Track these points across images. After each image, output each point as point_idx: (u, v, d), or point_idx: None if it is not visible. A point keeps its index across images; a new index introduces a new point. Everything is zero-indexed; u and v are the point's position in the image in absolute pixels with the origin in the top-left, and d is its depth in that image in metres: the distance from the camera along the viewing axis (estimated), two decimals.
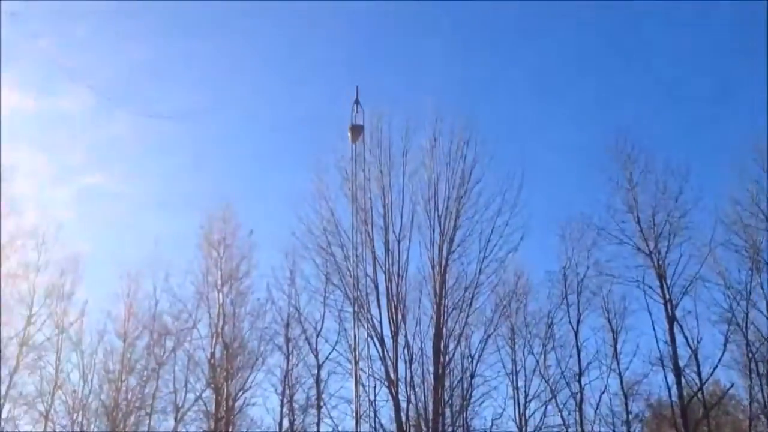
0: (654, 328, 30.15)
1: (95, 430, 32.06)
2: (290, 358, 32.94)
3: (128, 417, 32.18)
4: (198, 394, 32.77)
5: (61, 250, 32.39)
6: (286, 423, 32.65)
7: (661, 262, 29.55)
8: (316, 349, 32.32)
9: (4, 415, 30.30)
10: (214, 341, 32.68)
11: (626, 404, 31.45)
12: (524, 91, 49.81)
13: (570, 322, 32.35)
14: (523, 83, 50.50)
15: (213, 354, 32.64)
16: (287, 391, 32.91)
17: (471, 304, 27.11)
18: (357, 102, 19.72)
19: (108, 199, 47.03)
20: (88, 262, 34.00)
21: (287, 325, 32.92)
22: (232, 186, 52.86)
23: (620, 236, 30.40)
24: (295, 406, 33.00)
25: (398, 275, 26.85)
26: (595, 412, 31.95)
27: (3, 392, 30.16)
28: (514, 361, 33.17)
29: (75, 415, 31.97)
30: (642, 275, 30.07)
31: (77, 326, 32.73)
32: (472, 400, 32.35)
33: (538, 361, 32.66)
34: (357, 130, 20.26)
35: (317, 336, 32.25)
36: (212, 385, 32.38)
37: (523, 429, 32.76)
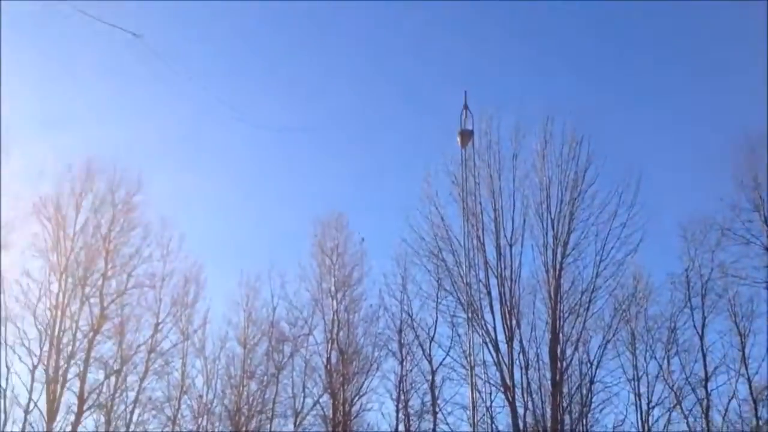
0: None
1: None
2: (404, 363, 33.06)
3: (250, 421, 33.09)
4: (316, 398, 33.40)
5: (184, 260, 33.65)
6: (402, 428, 32.79)
7: None
8: (430, 354, 32.37)
9: (135, 419, 31.69)
10: (329, 347, 33.30)
11: (756, 410, 29.85)
12: (639, 88, 48.05)
13: (694, 326, 30.99)
14: (637, 80, 48.73)
15: (329, 359, 33.25)
16: (402, 397, 33.04)
17: (588, 308, 26.60)
18: (466, 107, 19.50)
19: (225, 209, 48.91)
20: (209, 270, 35.24)
21: (400, 331, 33.08)
22: (343, 194, 53.69)
23: (746, 236, 28.92)
24: (411, 411, 33.10)
25: (511, 280, 26.65)
26: (723, 418, 30.52)
27: (133, 398, 31.63)
28: (635, 367, 31.99)
29: (200, 419, 33.08)
30: None
31: (200, 333, 33.96)
32: (592, 406, 31.48)
33: (661, 367, 31.40)
34: (466, 135, 20.02)
35: (431, 341, 32.30)
36: (329, 390, 32.94)
37: None
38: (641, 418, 31.76)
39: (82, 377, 29.92)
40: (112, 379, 31.17)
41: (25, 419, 29.08)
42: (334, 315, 33.54)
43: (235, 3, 40.52)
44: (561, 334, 26.55)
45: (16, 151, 30.50)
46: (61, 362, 29.56)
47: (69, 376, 29.76)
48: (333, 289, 33.98)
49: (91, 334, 30.30)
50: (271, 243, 49.96)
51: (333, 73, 50.06)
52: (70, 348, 29.91)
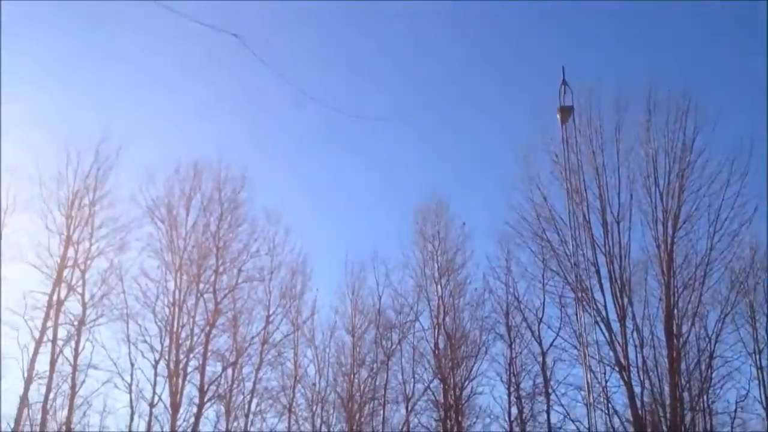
0: None
1: (334, 421, 33.84)
2: (513, 346, 32.78)
3: (363, 408, 33.63)
4: (426, 384, 33.61)
5: (290, 253, 34.50)
6: (514, 411, 32.57)
7: None
8: (539, 336, 31.95)
9: (253, 409, 32.74)
10: (436, 332, 33.41)
11: None
12: (746, 49, 45.70)
13: None
14: (744, 40, 46.35)
15: (437, 345, 33.37)
16: (513, 379, 32.78)
17: (704, 282, 25.62)
18: (564, 82, 19.13)
19: (327, 201, 49.84)
20: (315, 262, 35.94)
21: (507, 314, 32.79)
22: (442, 180, 53.72)
23: None
24: (522, 393, 32.79)
25: (620, 257, 25.94)
26: None
27: (250, 388, 32.68)
28: (756, 340, 30.76)
29: (314, 407, 33.85)
30: None
31: (310, 323, 34.74)
32: (712, 382, 30.43)
33: None
34: (566, 111, 19.62)
35: (539, 323, 31.90)
36: (439, 375, 33.06)
37: None
38: (765, 392, 30.57)
39: (202, 370, 31.08)
40: (229, 370, 32.28)
41: (151, 412, 30.45)
42: (439, 300, 33.65)
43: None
44: (676, 310, 25.73)
45: (125, 155, 32.21)
46: (181, 356, 30.75)
47: (189, 369, 30.99)
48: (437, 274, 34.10)
49: (208, 328, 31.44)
50: (373, 232, 50.73)
51: (428, 60, 50.20)
52: (188, 342, 31.12)
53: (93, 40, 42.99)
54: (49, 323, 29.41)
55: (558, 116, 19.57)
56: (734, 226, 25.36)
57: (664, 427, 26.88)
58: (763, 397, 30.47)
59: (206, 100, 49.35)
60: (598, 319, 25.77)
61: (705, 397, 30.60)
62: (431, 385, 33.49)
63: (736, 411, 30.90)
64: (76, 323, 30.04)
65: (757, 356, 30.70)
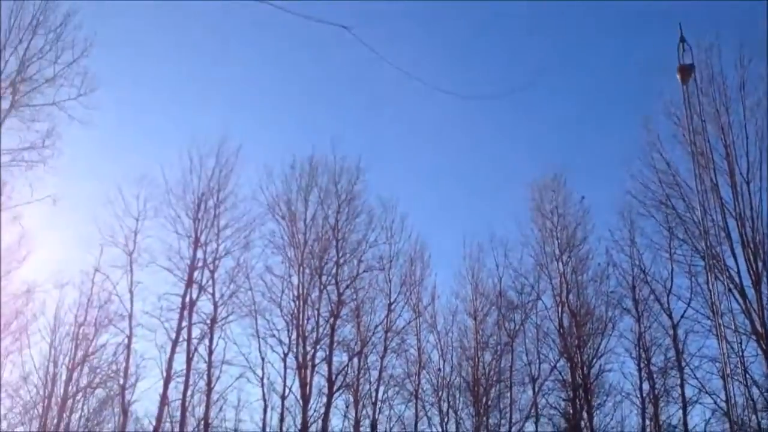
0: None
1: (461, 405, 33.90)
2: (641, 320, 31.94)
3: (489, 391, 33.54)
4: (552, 364, 33.26)
5: (408, 240, 34.86)
6: (646, 387, 31.75)
7: None
8: (669, 308, 30.99)
9: (380, 396, 33.30)
10: (560, 311, 33.00)
11: None
12: None
13: None
14: None
15: (561, 323, 32.95)
16: (643, 355, 31.93)
17: None
18: (682, 40, 18.46)
19: (441, 184, 49.98)
20: (432, 247, 36.16)
21: (633, 288, 31.97)
22: (558, 154, 52.84)
23: None
24: (654, 368, 31.90)
25: (752, 218, 24.86)
26: None
27: (376, 376, 33.20)
28: None
29: (440, 392, 34.04)
30: None
31: (431, 309, 35.02)
32: None
33: None
34: (686, 70, 18.90)
35: (668, 294, 30.92)
36: (565, 355, 32.63)
37: None
38: None
39: (329, 360, 31.77)
40: (355, 360, 32.90)
41: (283, 405, 31.42)
42: (561, 278, 33.22)
43: None
44: None
45: (245, 155, 33.35)
46: (308, 348, 31.56)
47: (317, 360, 31.78)
48: (557, 251, 33.71)
49: (332, 319, 32.14)
50: (490, 212, 50.56)
51: (538, 30, 49.31)
52: (314, 334, 31.88)
53: (203, 43, 44.61)
54: (184, 323, 30.71)
55: (678, 76, 18.94)
56: None
57: None
58: None
59: (317, 94, 50.40)
60: (732, 286, 24.88)
61: None
62: (558, 365, 33.19)
63: None
64: (208, 322, 31.25)
65: None
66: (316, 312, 32.14)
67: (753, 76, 25.55)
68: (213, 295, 31.60)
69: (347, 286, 32.83)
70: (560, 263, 33.46)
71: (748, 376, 25.44)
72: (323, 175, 33.75)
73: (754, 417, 27.79)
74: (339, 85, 50.31)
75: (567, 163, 49.63)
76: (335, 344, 32.20)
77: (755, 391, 26.04)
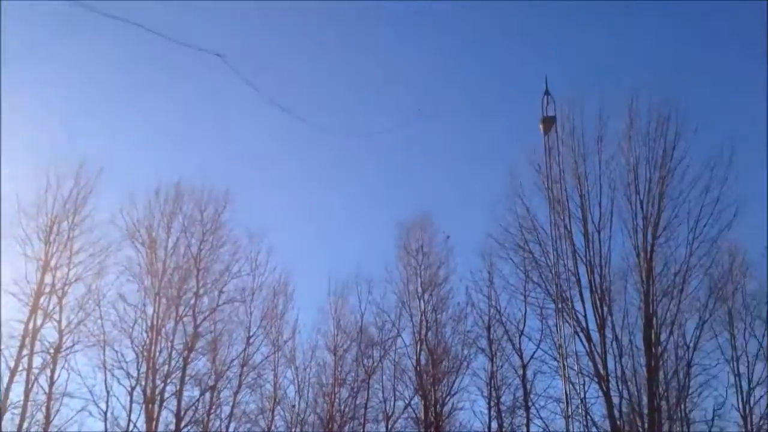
0: None
1: None
2: (494, 359, 32.90)
3: (343, 428, 33.34)
4: (407, 401, 33.56)
5: (272, 273, 34.20)
6: (494, 425, 32.60)
7: None
8: (520, 348, 32.09)
9: None
10: (418, 348, 33.43)
11: None
12: (729, 53, 46.61)
13: None
14: (728, 45, 47.34)
15: (418, 361, 33.37)
16: (494, 394, 32.87)
17: (683, 289, 26.00)
18: (547, 92, 19.56)
19: (310, 219, 49.69)
20: (297, 281, 35.66)
21: (489, 327, 32.94)
22: (426, 194, 53.63)
23: None
24: (503, 407, 32.87)
25: (601, 266, 26.28)
26: None
27: (228, 412, 32.22)
28: (734, 347, 31.23)
29: (293, 429, 33.38)
30: None
31: (291, 344, 34.42)
32: (690, 391, 30.85)
33: (761, 345, 30.61)
34: (549, 122, 20.07)
35: (520, 335, 32.05)
36: (420, 392, 33.05)
37: (748, 418, 30.85)
38: (742, 399, 31.05)
39: (179, 395, 30.59)
40: (207, 395, 31.82)
41: None
42: (421, 316, 33.72)
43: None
44: (655, 319, 26.07)
45: (107, 179, 31.87)
46: (158, 382, 30.28)
47: (166, 395, 30.50)
48: (420, 289, 34.22)
49: (186, 352, 31.00)
50: (357, 249, 50.64)
51: (409, 73, 50.34)
52: (166, 367, 30.63)
53: (70, 62, 42.47)
54: (25, 351, 28.76)
55: (540, 127, 20.04)
56: (713, 232, 25.78)
57: None
58: (740, 405, 30.99)
59: (188, 121, 48.98)
60: (578, 329, 26.00)
61: (683, 405, 30.95)
62: (412, 402, 33.50)
63: (713, 419, 31.33)
64: (51, 351, 29.43)
65: (735, 363, 31.18)
66: (169, 344, 30.94)
67: (610, 131, 27.15)
68: (59, 322, 29.81)
69: (205, 318, 31.85)
70: (422, 301, 33.99)
71: (588, 416, 26.78)
72: (189, 203, 32.79)
73: None
74: (213, 115, 49.08)
75: (436, 203, 51.07)
76: (187, 378, 31.09)
77: (595, 431, 27.28)
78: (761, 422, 30.90)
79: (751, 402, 30.87)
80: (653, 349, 26.19)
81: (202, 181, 33.04)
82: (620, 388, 26.70)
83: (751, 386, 30.88)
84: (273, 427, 33.21)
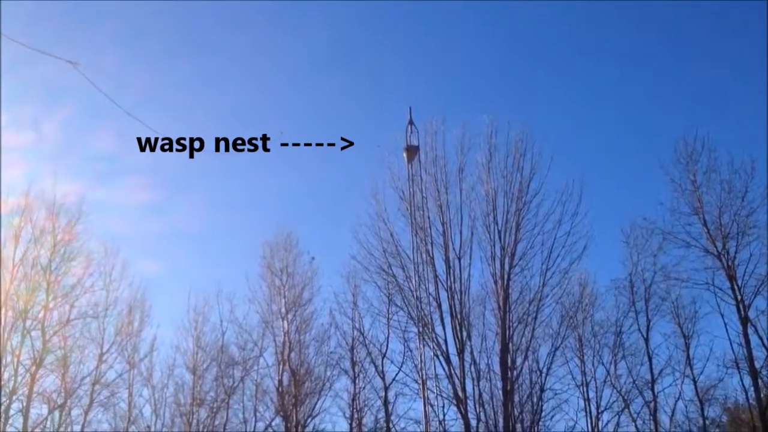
0: (727, 331, 29.45)
1: None
2: (357, 381, 33.08)
3: None
4: (267, 422, 33.16)
5: (128, 288, 33.05)
6: None
7: (730, 263, 28.39)
8: (383, 371, 32.45)
9: None
10: (281, 369, 33.01)
11: (702, 410, 30.77)
12: (580, 95, 49.31)
13: (639, 330, 31.88)
14: (578, 88, 49.99)
15: (281, 381, 32.94)
16: (356, 415, 33.00)
17: (536, 317, 26.75)
18: (411, 122, 19.84)
19: (170, 234, 48.30)
20: (155, 297, 34.64)
21: (352, 349, 33.06)
22: (291, 215, 53.61)
23: (687, 239, 29.23)
24: (364, 429, 33.07)
25: (461, 292, 26.66)
26: (671, 419, 31.37)
27: (79, 430, 30.84)
28: (583, 373, 32.71)
29: None
30: (712, 277, 29.02)
31: (147, 361, 33.47)
32: (543, 414, 31.92)
33: (608, 371, 32.19)
34: (412, 151, 20.39)
35: (383, 358, 32.37)
36: (281, 413, 32.61)
37: None
38: (591, 423, 32.44)
39: (25, 413, 29.07)
40: (56, 413, 30.46)
41: None
42: (285, 336, 33.33)
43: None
44: (511, 344, 26.69)
45: None
46: (3, 398, 28.56)
47: (11, 412, 29.00)
48: (283, 310, 33.80)
49: (33, 368, 29.38)
50: (219, 267, 49.58)
51: (284, 90, 50.17)
52: (12, 383, 28.90)
53: None
54: None
55: (404, 155, 20.29)
56: (565, 263, 26.71)
57: None
58: (590, 428, 32.36)
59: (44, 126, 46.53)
60: (439, 352, 26.26)
61: (536, 428, 32.03)
62: (273, 423, 33.08)
63: None
64: None
65: (585, 388, 32.64)
66: (15, 359, 29.19)
67: (470, 161, 27.77)
68: None
69: (55, 333, 30.27)
70: (285, 321, 33.59)
71: None
72: (40, 212, 30.98)
73: None
74: (66, 121, 46.90)
75: (300, 224, 50.99)
76: (35, 395, 29.47)
77: None
78: None
79: (600, 426, 32.39)
80: (509, 373, 26.76)
81: (54, 191, 31.35)
82: (477, 410, 27.19)
83: (600, 411, 32.39)
84: None
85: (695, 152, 29.43)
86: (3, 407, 28.48)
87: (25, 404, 29.08)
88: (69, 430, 31.10)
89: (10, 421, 28.86)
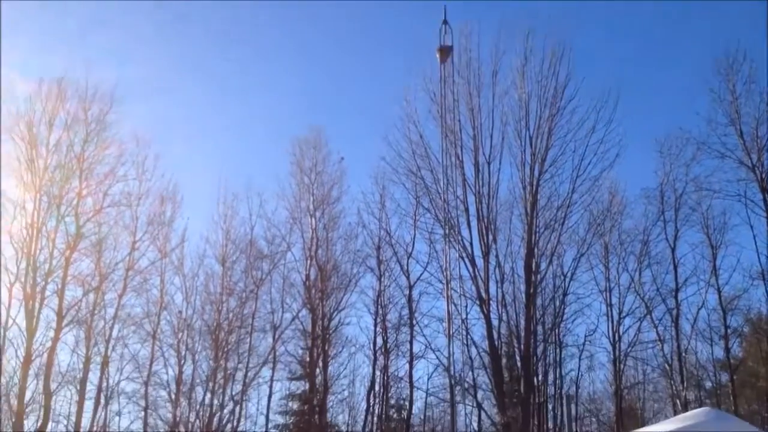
0: (755, 242, 29.27)
1: (199, 348, 33.60)
2: (382, 279, 33.74)
3: (230, 335, 33.49)
4: (294, 314, 33.93)
5: (160, 180, 33.22)
6: (379, 341, 33.69)
7: (764, 175, 28.02)
8: (408, 270, 32.95)
9: (114, 335, 32.07)
10: (308, 264, 33.69)
11: (724, 319, 30.79)
12: (620, 3, 47.30)
13: (667, 239, 31.69)
14: None
15: (308, 276, 33.65)
16: (380, 311, 33.78)
17: (563, 223, 26.84)
18: (445, 21, 19.24)
19: (201, 129, 48.42)
20: (186, 190, 35.00)
21: (378, 248, 33.54)
22: (322, 114, 53.19)
23: (722, 150, 28.80)
24: (388, 325, 33.89)
25: (489, 196, 26.73)
26: (692, 327, 31.57)
27: (112, 314, 31.91)
28: (607, 279, 32.95)
29: (180, 334, 33.39)
30: (744, 189, 28.85)
31: (179, 252, 33.95)
32: (565, 317, 32.54)
33: (632, 278, 32.33)
34: (445, 51, 19.86)
35: (408, 258, 32.87)
36: (308, 306, 33.46)
37: (617, 345, 32.78)
38: (612, 328, 32.89)
39: (60, 294, 29.84)
40: (91, 296, 31.29)
41: (4, 334, 29.32)
42: (312, 232, 33.82)
43: None
44: (536, 249, 26.88)
45: None
46: (39, 280, 29.42)
47: (47, 293, 29.72)
48: (312, 207, 34.17)
49: (68, 252, 30.17)
50: (249, 162, 49.83)
51: None
52: (47, 266, 29.74)
53: None
54: None
55: (437, 55, 19.82)
56: (596, 171, 26.47)
57: (518, 357, 28.53)
58: (610, 332, 32.85)
59: (77, 18, 46.10)
60: (464, 254, 26.62)
61: (557, 330, 32.74)
62: (300, 315, 33.90)
63: (584, 344, 33.32)
64: None
65: (608, 294, 32.96)
66: (50, 243, 30.00)
67: (505, 65, 27.21)
68: None
69: (88, 219, 30.87)
70: (313, 219, 34.02)
71: (469, 336, 27.92)
72: (73, 100, 30.87)
73: (470, 373, 30.64)
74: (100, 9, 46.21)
75: (331, 123, 50.69)
76: (69, 278, 30.32)
77: (474, 350, 28.44)
78: (629, 349, 32.98)
79: (620, 331, 32.83)
80: (533, 277, 27.10)
81: (86, 78, 31.08)
82: (500, 311, 27.76)
83: (621, 316, 32.73)
84: (159, 331, 33.13)
85: (736, 62, 28.76)
86: (39, 288, 29.41)
87: (60, 286, 29.88)
88: (103, 312, 32.08)
89: (46, 301, 29.71)
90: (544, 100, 26.18)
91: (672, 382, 31.20)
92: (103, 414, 32.14)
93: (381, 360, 33.59)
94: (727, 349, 31.11)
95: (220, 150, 49.42)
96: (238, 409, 33.09)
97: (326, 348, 33.44)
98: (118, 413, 33.28)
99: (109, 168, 31.41)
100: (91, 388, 31.18)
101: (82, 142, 30.56)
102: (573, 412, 32.77)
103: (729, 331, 31.09)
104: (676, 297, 31.23)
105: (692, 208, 31.24)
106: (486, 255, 27.01)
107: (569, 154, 26.31)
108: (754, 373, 31.97)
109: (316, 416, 32.76)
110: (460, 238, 26.66)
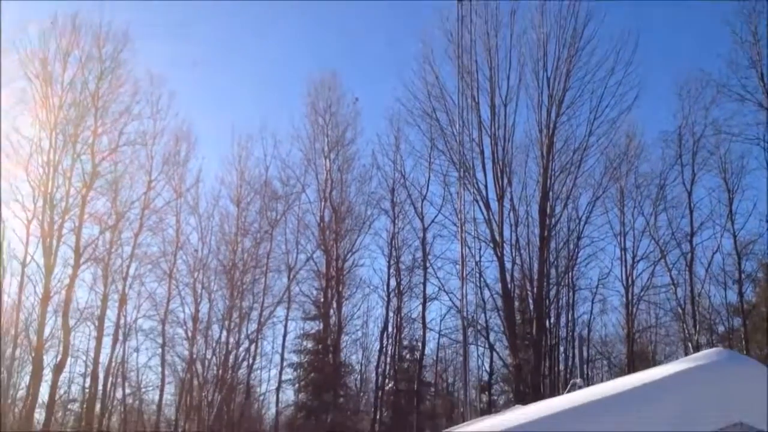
0: None
1: (215, 287, 34.00)
2: (396, 221, 33.68)
3: (245, 275, 33.87)
4: (309, 254, 34.20)
5: (174, 119, 33.19)
6: (393, 283, 33.84)
7: None
8: (422, 212, 32.89)
9: (131, 273, 32.48)
10: (322, 205, 33.80)
11: (739, 264, 30.52)
12: None
13: (683, 183, 31.18)
14: None
15: (322, 217, 33.81)
16: (394, 253, 33.88)
17: (579, 166, 26.78)
18: None
19: (216, 69, 47.90)
20: (201, 130, 34.92)
21: (393, 190, 33.43)
22: (336, 54, 52.33)
23: (742, 92, 28.13)
24: (402, 266, 34.01)
25: (504, 138, 26.61)
26: (707, 271, 31.31)
27: (129, 252, 32.25)
28: (622, 223, 32.59)
29: (196, 273, 33.84)
30: (764, 133, 28.26)
31: (194, 192, 34.18)
32: (578, 260, 32.40)
33: (647, 222, 31.97)
34: None
35: (423, 200, 32.74)
36: (322, 247, 33.65)
37: (630, 288, 32.72)
38: (625, 272, 32.77)
39: (77, 232, 30.21)
40: (108, 234, 31.67)
41: (23, 271, 29.86)
42: (327, 174, 33.85)
43: None
44: (551, 192, 26.85)
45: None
46: (56, 217, 29.71)
47: (64, 231, 30.07)
48: (326, 148, 34.11)
49: (84, 190, 30.39)
50: (263, 103, 49.30)
51: None
52: (63, 204, 30.08)
53: None
54: None
55: None
56: (614, 114, 26.28)
57: (530, 300, 28.67)
58: (624, 276, 32.77)
59: None
60: (478, 197, 26.58)
61: (570, 273, 32.65)
62: (314, 256, 34.16)
63: (597, 287, 33.26)
64: None
65: (622, 238, 32.66)
66: (67, 181, 30.30)
67: (523, 5, 26.81)
68: None
69: (104, 158, 31.05)
70: (328, 160, 34.01)
71: (482, 279, 27.98)
72: (87, 37, 30.71)
73: (483, 315, 30.80)
74: None
75: (345, 64, 49.91)
76: (86, 216, 30.64)
77: (487, 292, 28.56)
78: (641, 293, 32.96)
79: (634, 275, 32.70)
80: (547, 221, 27.10)
81: (100, 16, 30.87)
82: (513, 254, 27.86)
83: (635, 260, 32.59)
84: (175, 270, 33.51)
85: (759, 3, 27.81)
86: (56, 225, 29.69)
87: (77, 224, 30.20)
88: (120, 250, 32.45)
89: (63, 239, 30.04)
90: (562, 40, 25.90)
91: (684, 326, 31.19)
92: (121, 350, 32.84)
93: (394, 301, 33.85)
94: (741, 294, 30.91)
95: (234, 91, 49.01)
96: (253, 347, 33.68)
97: (340, 289, 33.70)
98: (136, 350, 34.00)
99: (123, 106, 31.50)
100: (109, 325, 31.85)
101: (97, 80, 30.57)
102: (585, 354, 32.87)
103: (743, 275, 30.88)
104: (691, 241, 30.94)
105: (710, 152, 30.72)
106: (501, 198, 26.99)
107: (587, 96, 26.13)
108: (766, 317, 31.92)
109: (330, 355, 33.22)
110: (475, 180, 26.62)
